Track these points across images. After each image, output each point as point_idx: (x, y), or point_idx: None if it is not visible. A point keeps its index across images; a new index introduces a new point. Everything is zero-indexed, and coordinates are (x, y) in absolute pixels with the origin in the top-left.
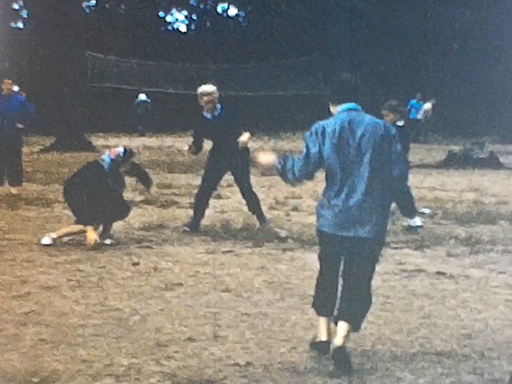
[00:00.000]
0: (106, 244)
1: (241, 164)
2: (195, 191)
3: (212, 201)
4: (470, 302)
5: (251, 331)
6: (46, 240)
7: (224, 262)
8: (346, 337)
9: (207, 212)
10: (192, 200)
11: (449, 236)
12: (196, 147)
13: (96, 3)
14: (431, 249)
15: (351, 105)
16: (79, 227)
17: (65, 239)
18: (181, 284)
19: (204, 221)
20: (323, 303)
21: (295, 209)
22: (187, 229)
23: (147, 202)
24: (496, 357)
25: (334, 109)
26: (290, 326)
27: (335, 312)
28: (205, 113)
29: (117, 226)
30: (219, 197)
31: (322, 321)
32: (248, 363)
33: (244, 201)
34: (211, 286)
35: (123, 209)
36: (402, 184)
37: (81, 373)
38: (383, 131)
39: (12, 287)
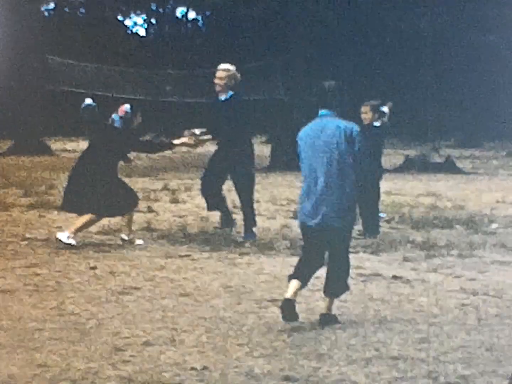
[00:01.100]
0: (138, 244)
1: (242, 165)
2: (152, 195)
3: (168, 205)
4: (425, 306)
5: (208, 335)
6: (72, 241)
7: (181, 266)
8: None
9: (165, 216)
10: (149, 204)
11: (405, 240)
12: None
13: (55, 7)
14: (387, 253)
15: (323, 111)
16: (88, 216)
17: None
18: (138, 288)
19: (161, 225)
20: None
21: None
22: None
23: None
24: (451, 361)
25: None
26: (246, 330)
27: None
28: (218, 96)
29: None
30: (176, 201)
31: (294, 283)
32: (205, 367)
33: (202, 205)
34: (168, 290)
35: (133, 196)
36: (366, 180)
37: (38, 377)
38: (346, 134)
39: None
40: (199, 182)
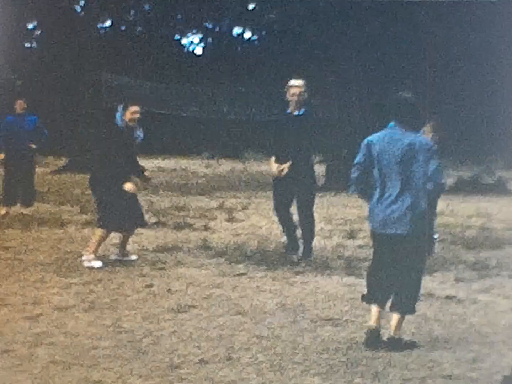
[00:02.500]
0: (131, 260)
1: (306, 186)
2: (209, 213)
3: (225, 224)
4: (477, 326)
5: (264, 354)
6: (97, 264)
7: (237, 284)
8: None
9: (222, 234)
10: (206, 222)
11: (457, 260)
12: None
13: (112, 24)
14: (440, 273)
15: (392, 123)
16: (98, 231)
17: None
18: (194, 306)
19: (218, 244)
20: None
21: None
22: (295, 258)
23: (160, 224)
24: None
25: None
26: (302, 348)
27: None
28: (288, 110)
29: (131, 247)
30: (232, 219)
31: (374, 309)
32: None
33: (259, 224)
34: (224, 309)
35: (140, 215)
36: (435, 197)
37: None
38: (419, 146)
39: (25, 308)
40: (255, 201)
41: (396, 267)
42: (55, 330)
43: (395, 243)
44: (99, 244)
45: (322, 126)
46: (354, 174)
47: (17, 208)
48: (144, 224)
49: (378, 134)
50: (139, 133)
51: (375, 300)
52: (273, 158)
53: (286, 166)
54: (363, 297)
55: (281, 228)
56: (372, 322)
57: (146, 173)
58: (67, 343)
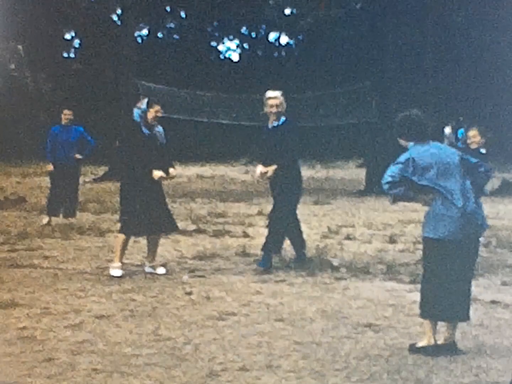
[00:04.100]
0: (156, 274)
1: (286, 190)
2: (247, 220)
3: (264, 230)
4: None
5: (304, 361)
6: (117, 272)
7: (277, 291)
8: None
9: (261, 240)
10: (244, 229)
11: (503, 264)
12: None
13: (149, 33)
14: (485, 277)
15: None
16: (120, 237)
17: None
18: (234, 314)
19: (257, 250)
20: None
21: (348, 237)
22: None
23: (199, 231)
24: None
25: (404, 142)
26: (343, 355)
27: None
28: (268, 124)
29: (170, 255)
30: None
31: (430, 325)
32: None
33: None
34: (264, 315)
35: (169, 218)
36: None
37: None
38: (462, 156)
39: (66, 317)
40: None
41: (456, 274)
42: (96, 339)
43: (461, 249)
44: (121, 251)
45: (301, 133)
46: (393, 177)
47: (59, 218)
48: (172, 230)
49: (417, 147)
50: (159, 129)
51: (442, 316)
52: (260, 164)
53: (270, 169)
54: (425, 313)
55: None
56: (431, 338)
57: (172, 170)
58: (108, 351)
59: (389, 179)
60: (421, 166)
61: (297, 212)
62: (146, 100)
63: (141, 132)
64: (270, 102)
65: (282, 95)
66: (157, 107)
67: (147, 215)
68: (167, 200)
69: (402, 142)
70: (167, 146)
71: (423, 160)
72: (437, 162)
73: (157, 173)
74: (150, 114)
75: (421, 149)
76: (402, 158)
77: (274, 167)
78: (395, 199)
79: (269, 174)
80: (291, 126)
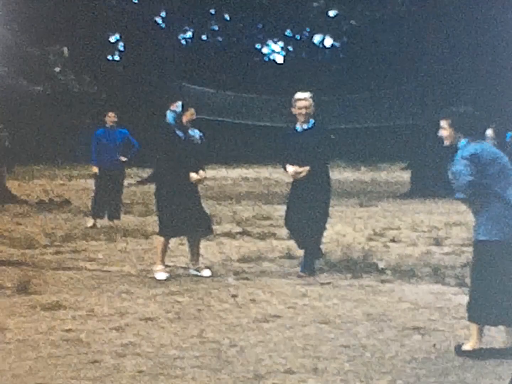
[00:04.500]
0: (202, 276)
1: (316, 195)
2: None
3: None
4: None
5: (350, 363)
6: (161, 275)
7: (322, 293)
8: None
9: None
10: None
11: None
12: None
13: (193, 35)
14: None
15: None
16: (160, 240)
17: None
18: (279, 316)
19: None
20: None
21: (393, 240)
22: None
23: (244, 233)
24: None
25: (450, 140)
26: (389, 358)
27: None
28: (296, 125)
29: (215, 258)
30: None
31: (477, 328)
32: None
33: (343, 232)
34: (310, 318)
35: (205, 220)
36: None
37: None
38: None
39: (111, 319)
40: (338, 209)
41: (508, 277)
42: (142, 341)
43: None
44: (162, 253)
45: (329, 136)
46: (465, 179)
47: (104, 221)
48: (207, 233)
49: (476, 146)
50: (194, 132)
51: (490, 320)
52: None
53: (305, 170)
54: (473, 316)
55: (295, 242)
56: (477, 341)
57: (201, 173)
58: (154, 353)
59: (468, 178)
60: (483, 163)
61: (329, 216)
62: (180, 103)
63: (176, 135)
64: (300, 103)
65: (311, 97)
66: (192, 110)
67: (183, 217)
68: (212, 202)
69: (448, 139)
70: (202, 149)
71: (484, 158)
72: (495, 160)
73: (194, 176)
74: (185, 117)
75: (478, 146)
76: (466, 153)
77: (307, 168)
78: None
79: (303, 174)
80: (321, 130)
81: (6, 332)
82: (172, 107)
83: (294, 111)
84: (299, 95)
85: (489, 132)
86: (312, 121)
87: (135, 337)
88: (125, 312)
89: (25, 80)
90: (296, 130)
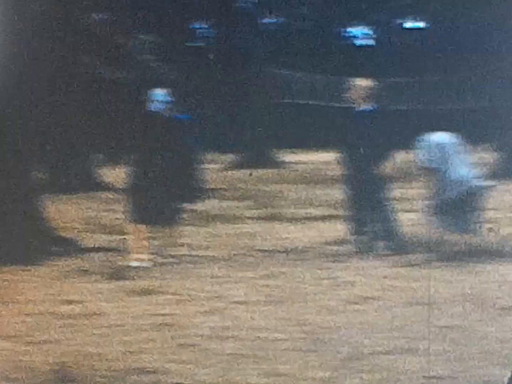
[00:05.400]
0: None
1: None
2: None
3: (400, 214)
4: None
5: (445, 344)
6: (144, 263)
7: (413, 275)
8: None
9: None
10: None
11: None
12: None
13: (279, 20)
14: None
15: None
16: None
17: None
18: (372, 298)
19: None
20: None
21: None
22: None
23: (335, 217)
24: None
25: None
26: (485, 338)
27: None
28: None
29: (308, 240)
30: (406, 210)
31: None
32: (448, 376)
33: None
34: (403, 299)
35: (174, 209)
36: None
37: None
38: None
39: (204, 303)
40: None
41: None
42: (237, 324)
43: None
44: (145, 241)
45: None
46: None
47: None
48: (173, 223)
49: None
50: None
51: None
52: None
53: None
54: None
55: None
56: None
57: None
58: (250, 336)
59: None
60: None
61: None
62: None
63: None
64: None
65: (372, 80)
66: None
67: (154, 204)
68: (293, 185)
69: None
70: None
71: None
72: None
73: None
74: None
75: None
76: None
77: None
78: None
79: None
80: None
81: (100, 317)
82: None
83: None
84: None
85: None
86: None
87: (229, 320)
88: (219, 296)
89: (109, 69)
90: (356, 111)
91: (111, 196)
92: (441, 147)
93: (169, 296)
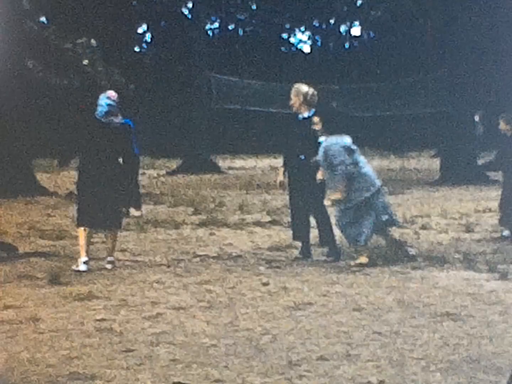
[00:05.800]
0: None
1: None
2: None
3: None
4: None
5: (383, 350)
6: (83, 267)
7: (353, 281)
8: None
9: (337, 231)
10: None
11: None
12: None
13: (219, 26)
14: None
15: None
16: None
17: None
18: (311, 304)
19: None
20: None
21: (424, 227)
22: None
23: (274, 222)
24: None
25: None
26: (422, 344)
27: None
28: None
29: (246, 247)
30: None
31: None
32: (381, 382)
33: None
34: (342, 305)
35: (115, 214)
36: None
37: None
38: None
39: (143, 308)
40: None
41: None
42: (174, 330)
43: None
44: (84, 245)
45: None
46: None
47: (134, 212)
48: (115, 228)
49: None
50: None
51: None
52: (282, 170)
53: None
54: None
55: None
56: None
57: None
58: (186, 342)
59: None
60: None
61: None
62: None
63: (98, 122)
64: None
65: (311, 87)
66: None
67: (97, 208)
68: (242, 192)
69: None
70: (124, 137)
71: None
72: None
73: None
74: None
75: None
76: None
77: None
78: None
79: (319, 177)
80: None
81: (39, 322)
82: (110, 95)
83: (291, 101)
84: (299, 86)
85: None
86: (313, 110)
87: (167, 326)
88: (158, 302)
89: (53, 73)
90: (298, 118)
91: (52, 202)
92: (349, 149)
93: (108, 302)
